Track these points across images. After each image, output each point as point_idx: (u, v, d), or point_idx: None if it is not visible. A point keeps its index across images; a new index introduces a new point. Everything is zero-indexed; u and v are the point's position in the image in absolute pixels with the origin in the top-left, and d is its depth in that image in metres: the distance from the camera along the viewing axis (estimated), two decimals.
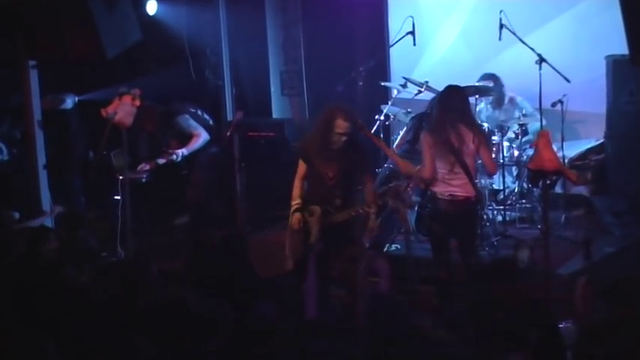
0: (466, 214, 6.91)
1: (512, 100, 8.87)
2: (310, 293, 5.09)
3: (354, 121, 6.67)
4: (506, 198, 8.68)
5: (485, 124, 8.61)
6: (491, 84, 8.85)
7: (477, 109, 8.79)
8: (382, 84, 9.40)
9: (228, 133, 7.81)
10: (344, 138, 6.62)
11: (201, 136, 8.71)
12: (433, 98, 8.03)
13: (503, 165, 8.47)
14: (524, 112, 8.68)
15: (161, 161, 8.63)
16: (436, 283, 7.03)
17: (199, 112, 8.92)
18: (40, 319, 4.89)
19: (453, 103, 6.83)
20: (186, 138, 8.69)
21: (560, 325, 5.41)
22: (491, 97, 8.94)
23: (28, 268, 5.79)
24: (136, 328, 4.75)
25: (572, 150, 8.96)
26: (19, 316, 4.94)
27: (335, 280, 6.54)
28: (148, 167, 8.66)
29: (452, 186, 6.81)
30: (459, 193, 6.80)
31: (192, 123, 8.73)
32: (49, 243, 6.32)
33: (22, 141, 9.13)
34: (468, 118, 6.89)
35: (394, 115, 8.85)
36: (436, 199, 6.89)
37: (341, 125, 6.60)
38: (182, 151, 8.64)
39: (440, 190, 6.84)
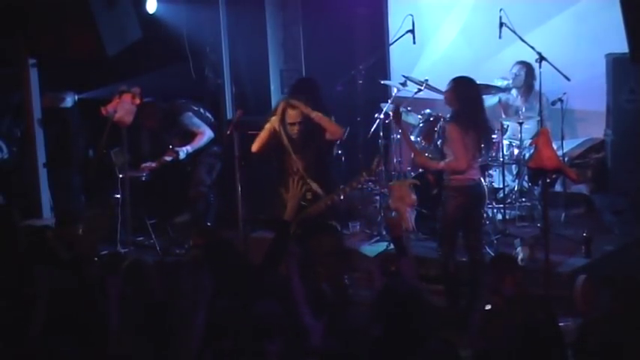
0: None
1: (538, 94, 8.77)
2: (299, 293, 5.07)
3: (305, 110, 6.89)
4: (506, 196, 8.68)
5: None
6: (523, 71, 8.89)
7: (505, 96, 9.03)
8: (382, 82, 9.39)
9: (229, 132, 7.80)
10: (297, 127, 6.88)
11: (206, 134, 8.73)
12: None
13: (503, 163, 8.47)
14: (541, 108, 8.62)
15: (167, 159, 8.64)
16: (444, 281, 7.06)
17: (201, 110, 8.93)
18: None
19: (474, 93, 7.07)
20: (189, 136, 8.70)
21: (561, 323, 5.41)
22: (522, 84, 8.95)
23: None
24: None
25: (572, 148, 8.97)
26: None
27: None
28: (154, 165, 8.68)
29: (476, 170, 7.05)
30: (478, 177, 7.09)
31: (196, 121, 8.75)
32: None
33: (22, 139, 9.15)
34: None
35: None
36: (465, 187, 6.96)
37: (291, 115, 6.88)
38: (187, 149, 8.65)
39: (471, 176, 6.97)
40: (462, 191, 6.94)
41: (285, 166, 7.00)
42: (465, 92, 7.02)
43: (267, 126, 7.04)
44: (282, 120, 6.92)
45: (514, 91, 9.07)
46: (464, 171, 6.89)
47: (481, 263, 6.99)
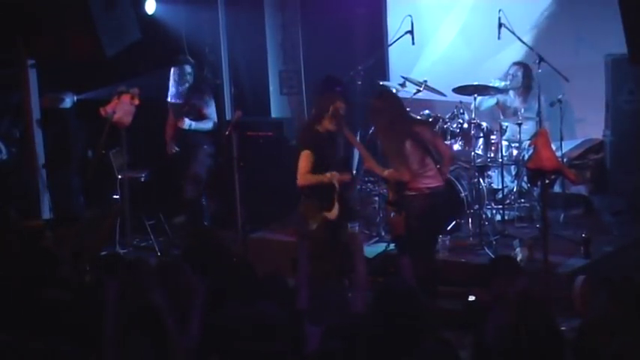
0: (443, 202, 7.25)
1: (537, 94, 8.75)
2: (302, 284, 5.09)
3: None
4: (505, 197, 8.68)
5: (484, 124, 8.61)
6: (519, 71, 8.88)
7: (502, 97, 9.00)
8: (381, 83, 9.39)
9: (227, 133, 7.82)
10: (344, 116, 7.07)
11: (211, 122, 8.84)
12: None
13: (502, 164, 8.48)
14: (540, 109, 8.62)
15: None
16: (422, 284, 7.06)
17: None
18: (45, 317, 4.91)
19: (379, 106, 7.13)
20: (197, 117, 8.82)
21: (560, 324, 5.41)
22: (519, 85, 8.93)
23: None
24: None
25: (570, 149, 8.97)
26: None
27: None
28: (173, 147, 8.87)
29: (430, 177, 6.96)
30: (433, 184, 6.98)
31: (212, 104, 8.89)
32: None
33: (21, 140, 9.14)
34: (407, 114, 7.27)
35: None
36: (417, 196, 6.93)
37: (341, 106, 6.99)
38: (192, 123, 8.76)
39: (425, 185, 6.93)
40: (418, 199, 6.92)
41: (327, 158, 7.01)
42: (373, 108, 7.17)
43: (308, 157, 6.83)
44: (334, 116, 7.00)
45: (511, 93, 9.07)
46: (407, 182, 6.89)
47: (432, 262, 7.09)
